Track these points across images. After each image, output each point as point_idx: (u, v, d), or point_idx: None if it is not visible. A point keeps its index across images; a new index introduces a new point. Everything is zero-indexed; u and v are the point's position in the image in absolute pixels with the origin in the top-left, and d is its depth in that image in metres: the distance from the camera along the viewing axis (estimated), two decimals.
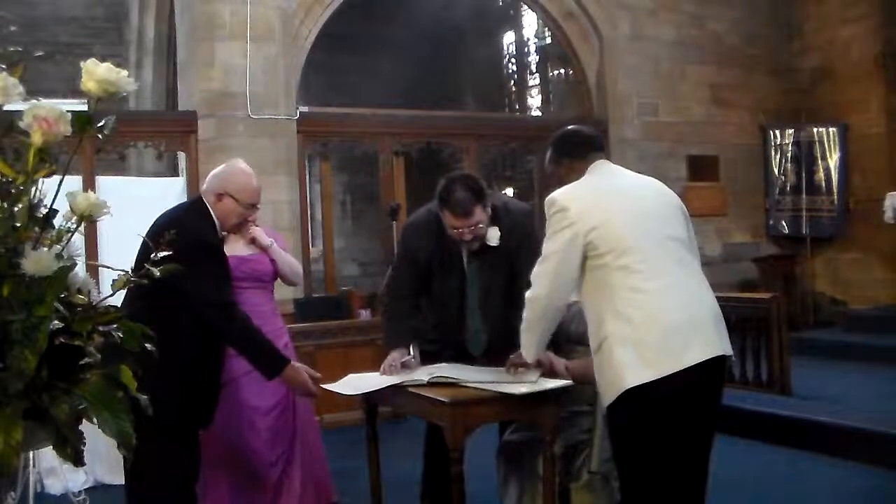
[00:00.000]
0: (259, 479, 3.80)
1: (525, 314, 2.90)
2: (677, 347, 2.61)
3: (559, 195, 2.84)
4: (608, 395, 2.70)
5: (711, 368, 2.68)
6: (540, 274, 2.83)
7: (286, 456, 3.89)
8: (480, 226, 3.41)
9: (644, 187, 2.94)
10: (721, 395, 2.81)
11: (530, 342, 2.96)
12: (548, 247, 2.81)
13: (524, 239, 3.54)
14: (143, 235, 2.75)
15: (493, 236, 3.49)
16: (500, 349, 3.42)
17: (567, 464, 3.22)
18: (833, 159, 9.35)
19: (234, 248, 3.99)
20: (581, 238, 2.74)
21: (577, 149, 2.99)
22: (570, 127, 3.15)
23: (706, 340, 2.68)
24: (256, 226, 4.16)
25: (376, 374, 3.48)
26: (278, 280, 4.14)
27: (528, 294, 2.86)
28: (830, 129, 9.35)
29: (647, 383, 2.59)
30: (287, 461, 3.89)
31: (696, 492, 2.80)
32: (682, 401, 2.63)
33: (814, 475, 4.65)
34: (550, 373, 3.25)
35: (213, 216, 3.24)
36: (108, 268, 1.72)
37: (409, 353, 3.53)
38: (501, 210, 3.54)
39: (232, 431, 3.82)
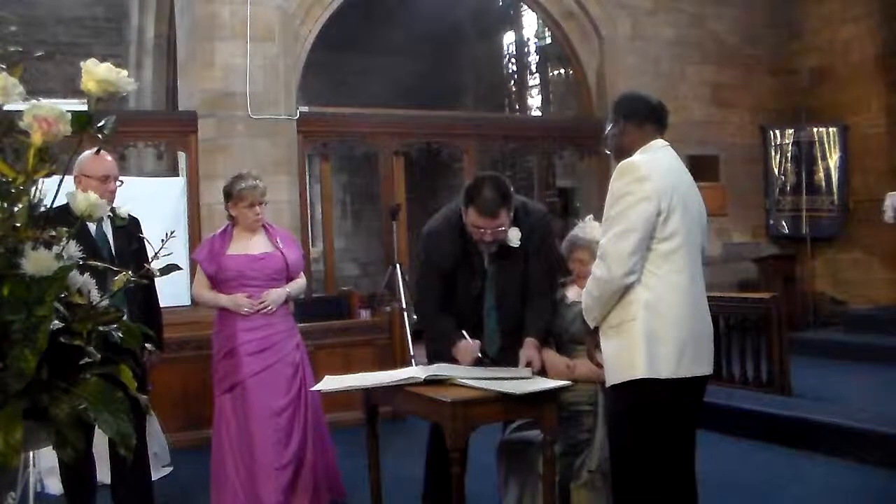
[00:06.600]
0: (271, 480, 3.78)
1: (595, 293, 2.74)
2: (691, 356, 2.70)
3: (641, 163, 2.71)
4: (616, 375, 2.73)
5: (702, 383, 2.81)
6: (618, 252, 2.64)
7: (298, 457, 3.87)
8: (502, 228, 3.40)
9: (695, 188, 2.88)
10: (700, 408, 2.91)
11: (597, 316, 2.79)
12: (628, 217, 2.64)
13: (541, 243, 3.56)
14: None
15: (514, 237, 3.48)
16: (515, 350, 3.43)
17: (567, 463, 3.22)
18: (833, 159, 9.34)
19: (245, 247, 3.95)
20: (657, 216, 2.64)
21: (634, 112, 2.86)
22: (636, 91, 3.03)
23: (709, 357, 2.79)
24: (271, 227, 4.10)
25: (361, 374, 3.51)
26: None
27: (600, 274, 2.70)
28: (830, 129, 9.34)
29: (656, 379, 2.64)
30: (299, 463, 3.87)
31: (686, 490, 2.84)
32: (677, 404, 2.72)
33: (814, 475, 4.65)
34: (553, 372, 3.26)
35: None
36: (108, 268, 1.72)
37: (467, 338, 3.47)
38: (521, 211, 3.53)
39: (243, 433, 3.80)
